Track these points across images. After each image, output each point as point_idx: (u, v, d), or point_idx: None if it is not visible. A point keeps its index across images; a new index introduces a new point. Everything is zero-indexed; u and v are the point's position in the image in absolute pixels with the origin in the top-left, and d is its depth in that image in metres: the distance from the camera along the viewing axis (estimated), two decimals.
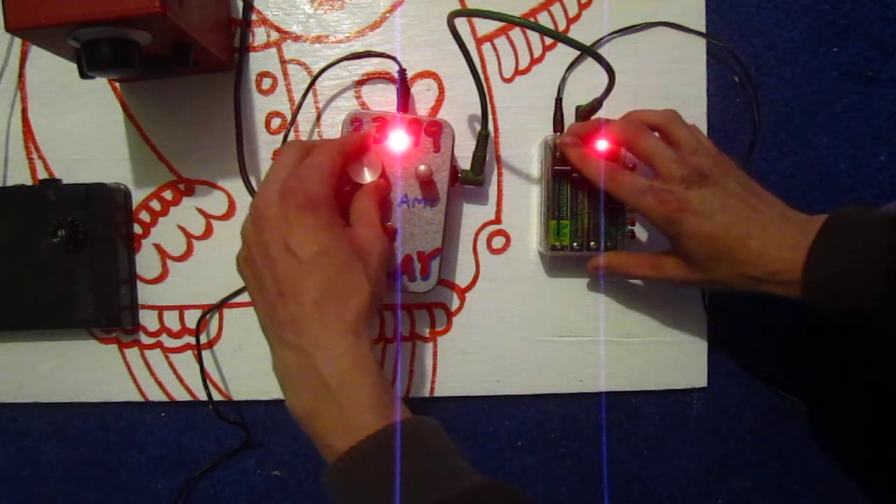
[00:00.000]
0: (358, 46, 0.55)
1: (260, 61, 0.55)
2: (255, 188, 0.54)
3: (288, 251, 0.39)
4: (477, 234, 0.56)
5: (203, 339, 0.55)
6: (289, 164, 0.43)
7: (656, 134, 0.49)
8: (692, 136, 0.48)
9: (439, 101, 0.55)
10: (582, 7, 0.55)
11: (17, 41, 0.55)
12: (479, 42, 0.55)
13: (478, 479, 0.37)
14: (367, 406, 0.38)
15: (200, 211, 0.56)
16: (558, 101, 0.54)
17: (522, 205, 0.56)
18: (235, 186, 0.55)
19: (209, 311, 0.56)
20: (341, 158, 0.45)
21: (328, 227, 0.40)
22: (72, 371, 0.56)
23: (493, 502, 0.36)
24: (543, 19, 0.55)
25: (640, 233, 0.55)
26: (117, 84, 0.55)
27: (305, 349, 0.38)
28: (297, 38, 0.55)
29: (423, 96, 0.55)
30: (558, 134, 0.54)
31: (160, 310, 0.56)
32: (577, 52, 0.54)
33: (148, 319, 0.56)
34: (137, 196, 0.56)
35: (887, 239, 0.40)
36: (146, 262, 0.56)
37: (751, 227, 0.45)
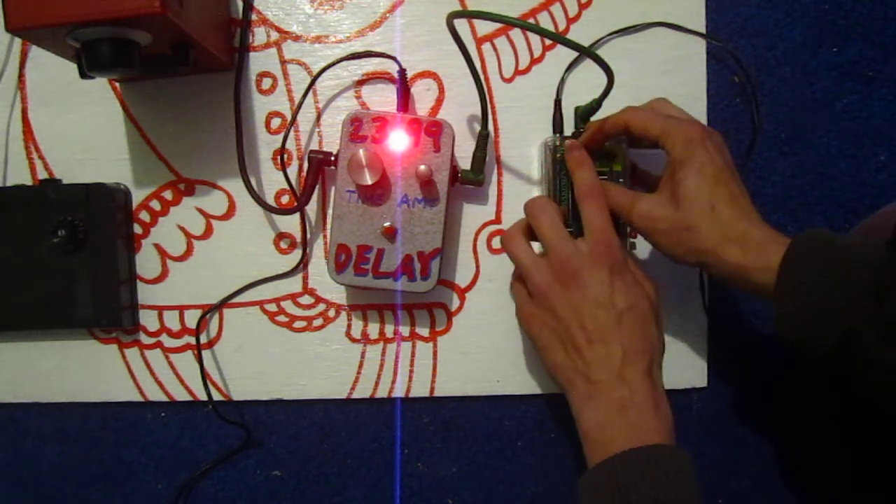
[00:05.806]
0: (358, 46, 0.55)
1: (260, 61, 0.55)
2: (256, 188, 0.54)
3: (599, 305, 0.44)
4: (477, 234, 0.56)
5: (203, 339, 0.55)
6: (558, 223, 0.47)
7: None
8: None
9: (439, 101, 0.55)
10: (582, 7, 0.55)
11: (17, 41, 0.55)
12: (479, 42, 0.55)
13: None
14: (652, 428, 0.42)
15: (200, 211, 0.56)
16: (557, 102, 0.54)
17: (522, 205, 0.55)
18: (235, 186, 0.55)
19: (209, 311, 0.56)
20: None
21: (635, 285, 0.45)
22: (72, 371, 0.56)
23: None
24: (543, 19, 0.55)
25: (641, 246, 0.52)
26: (117, 84, 0.55)
27: (609, 383, 0.43)
28: (297, 38, 0.55)
29: (423, 96, 0.55)
30: (558, 135, 0.53)
31: (160, 310, 0.56)
32: (577, 53, 0.54)
33: (148, 319, 0.56)
34: (137, 196, 0.56)
35: (876, 253, 0.37)
36: (146, 262, 0.56)
37: (738, 191, 0.44)
